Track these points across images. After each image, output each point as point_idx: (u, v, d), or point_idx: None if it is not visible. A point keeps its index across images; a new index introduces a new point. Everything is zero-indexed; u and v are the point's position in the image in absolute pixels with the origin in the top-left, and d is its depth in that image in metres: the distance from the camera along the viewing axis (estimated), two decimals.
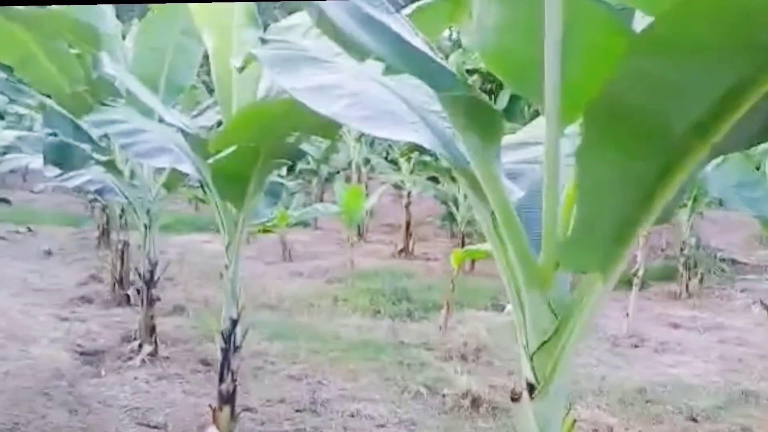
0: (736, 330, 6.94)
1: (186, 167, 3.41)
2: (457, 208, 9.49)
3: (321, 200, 13.64)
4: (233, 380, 3.36)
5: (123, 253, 6.56)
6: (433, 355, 5.76)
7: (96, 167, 4.88)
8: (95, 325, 5.84)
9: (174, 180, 4.90)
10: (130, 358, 4.99)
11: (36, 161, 5.47)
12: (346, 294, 7.82)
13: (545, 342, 1.34)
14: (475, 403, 4.54)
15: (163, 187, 4.94)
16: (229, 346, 3.34)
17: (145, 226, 4.96)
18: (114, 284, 6.66)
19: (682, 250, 8.37)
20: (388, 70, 1.29)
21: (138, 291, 6.57)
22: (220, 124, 3.84)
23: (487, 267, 9.91)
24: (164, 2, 4.81)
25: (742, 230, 10.65)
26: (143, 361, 4.94)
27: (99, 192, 4.96)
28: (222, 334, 3.36)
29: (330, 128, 2.71)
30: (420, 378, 5.02)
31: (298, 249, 10.99)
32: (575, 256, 1.28)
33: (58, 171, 4.83)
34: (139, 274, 5.12)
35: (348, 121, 1.50)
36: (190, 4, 3.35)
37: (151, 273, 5.01)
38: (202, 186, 3.53)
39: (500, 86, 11.31)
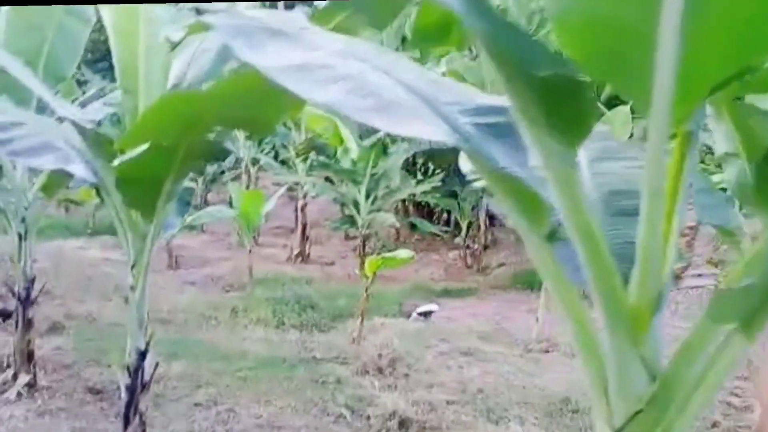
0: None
1: (77, 169, 2.85)
2: (358, 211, 9.16)
3: (205, 202, 12.91)
4: (142, 423, 2.84)
5: None
6: (348, 370, 5.39)
7: None
8: None
9: (54, 183, 4.23)
10: (3, 392, 4.26)
11: None
12: (245, 304, 7.29)
13: (638, 412, 1.02)
14: (404, 424, 4.22)
15: (41, 191, 4.24)
16: (136, 382, 2.81)
17: (19, 236, 4.24)
18: None
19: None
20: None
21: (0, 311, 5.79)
22: (119, 119, 3.27)
23: (389, 271, 9.69)
24: (163, 2, 4.23)
25: None
26: (19, 393, 4.22)
27: None
28: (127, 369, 2.82)
29: (264, 121, 2.28)
30: (340, 398, 4.64)
31: (184, 255, 10.26)
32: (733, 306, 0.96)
33: None
34: (12, 292, 4.38)
35: (351, 112, 1.12)
36: None
37: (28, 290, 4.30)
38: (98, 191, 2.96)
39: None
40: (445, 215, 12.01)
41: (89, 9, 4.23)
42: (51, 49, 4.07)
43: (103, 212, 11.65)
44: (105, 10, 2.71)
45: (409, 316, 7.18)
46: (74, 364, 4.95)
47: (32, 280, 4.34)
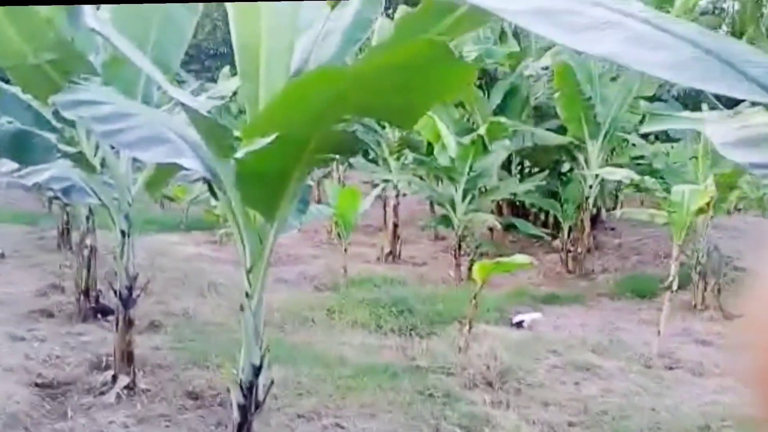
0: None
1: (190, 162, 2.59)
2: (454, 211, 8.74)
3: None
4: None
5: (90, 259, 5.64)
6: (455, 382, 5.01)
7: (61, 161, 4.00)
8: (58, 346, 4.92)
9: (159, 178, 4.05)
10: (103, 393, 4.11)
11: None
12: (340, 305, 7.01)
13: None
14: None
15: (145, 187, 4.06)
16: (250, 401, 2.52)
17: (123, 233, 4.08)
18: (79, 296, 5.73)
19: (698, 258, 7.78)
20: None
21: (99, 307, 5.71)
22: (227, 110, 2.97)
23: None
24: (166, 2, 4.04)
25: (748, 236, 10.16)
26: (119, 396, 4.06)
27: (65, 192, 4.05)
28: (240, 386, 2.53)
29: (412, 109, 1.94)
30: (452, 415, 4.27)
31: (276, 252, 10.14)
32: None
33: (15, 165, 3.95)
34: (114, 291, 4.23)
35: (642, 67, 0.76)
36: None
37: (130, 289, 4.14)
38: (211, 188, 2.70)
39: (493, 81, 10.67)
40: (542, 216, 11.42)
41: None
42: (158, 39, 3.88)
43: (196, 208, 11.76)
44: None
45: (517, 325, 6.72)
46: (173, 366, 4.78)
47: (134, 279, 4.17)
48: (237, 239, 2.53)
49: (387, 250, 10.28)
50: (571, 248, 9.64)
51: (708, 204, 5.83)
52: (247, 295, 2.54)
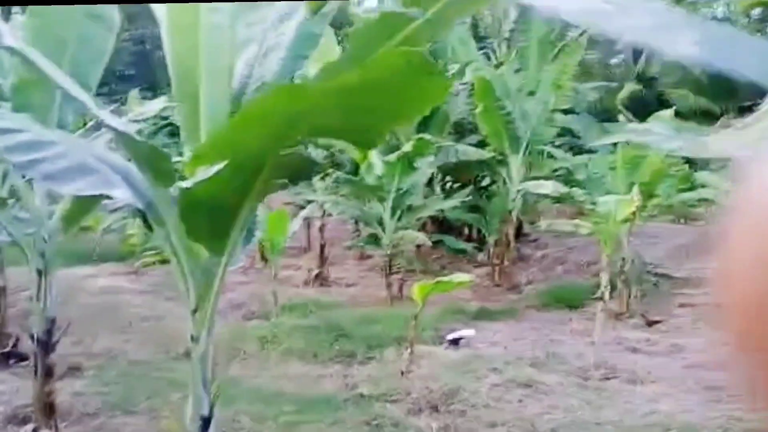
0: (695, 352, 6.54)
1: (123, 193, 2.34)
2: (383, 229, 8.64)
3: None
4: None
5: None
6: (401, 409, 4.86)
7: None
8: None
9: (78, 210, 3.71)
10: None
11: None
12: (272, 334, 6.74)
13: None
14: None
15: (63, 221, 3.71)
16: None
17: (39, 273, 3.71)
18: None
19: (622, 266, 7.98)
20: None
21: (9, 353, 5.23)
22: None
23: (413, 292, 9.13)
24: (165, 2, 3.77)
25: (664, 242, 10.56)
26: None
27: None
28: None
29: (373, 130, 1.80)
30: None
31: None
32: None
33: None
34: (31, 336, 3.84)
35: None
36: None
37: (49, 333, 3.77)
38: (145, 220, 2.45)
39: None
40: (466, 231, 11.50)
41: (114, 14, 3.75)
42: (73, 58, 3.57)
43: (110, 236, 11.14)
44: (161, 7, 2.21)
45: (453, 343, 6.64)
46: (98, 413, 4.41)
47: (53, 322, 3.80)
48: (178, 276, 2.30)
49: (315, 272, 10.06)
50: (497, 262, 9.72)
51: (634, 213, 5.96)
52: (192, 338, 2.31)
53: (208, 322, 2.27)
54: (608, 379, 5.86)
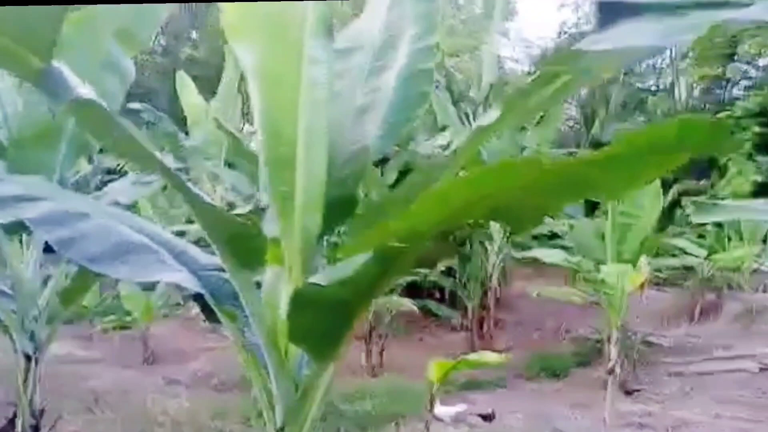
0: (704, 426, 6.31)
1: (183, 278, 1.92)
2: None
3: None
4: None
5: None
6: None
7: None
8: None
9: (81, 284, 3.19)
10: None
11: None
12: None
13: None
14: None
15: (60, 299, 3.18)
16: None
17: (28, 358, 3.15)
18: None
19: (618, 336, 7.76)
20: None
21: None
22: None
23: (395, 361, 8.68)
24: (173, 2, 3.32)
25: (635, 309, 10.45)
26: None
27: None
28: None
29: (545, 210, 1.47)
30: None
31: (157, 346, 9.02)
32: None
33: None
34: (13, 425, 3.24)
35: None
36: (223, 5, 1.91)
37: (36, 428, 3.18)
38: (204, 309, 2.01)
39: (386, 160, 10.45)
40: (437, 295, 11.17)
41: (129, 65, 3.33)
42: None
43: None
44: (243, 51, 1.83)
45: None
46: None
47: (41, 414, 3.23)
48: (258, 386, 1.85)
49: None
50: (475, 327, 9.40)
51: (642, 284, 5.76)
52: None
53: None
54: None
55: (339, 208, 1.88)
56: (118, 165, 8.42)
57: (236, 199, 9.07)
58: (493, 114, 1.40)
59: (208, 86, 11.50)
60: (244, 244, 1.74)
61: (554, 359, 8.59)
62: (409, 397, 6.70)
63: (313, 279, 1.52)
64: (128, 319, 8.68)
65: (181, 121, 10.25)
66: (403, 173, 10.11)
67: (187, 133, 9.88)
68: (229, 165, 9.70)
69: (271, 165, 1.84)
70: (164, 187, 5.53)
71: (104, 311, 9.12)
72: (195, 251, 2.13)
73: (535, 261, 9.15)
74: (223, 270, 1.97)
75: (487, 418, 5.92)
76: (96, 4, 3.04)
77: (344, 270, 1.41)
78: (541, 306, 10.91)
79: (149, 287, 10.00)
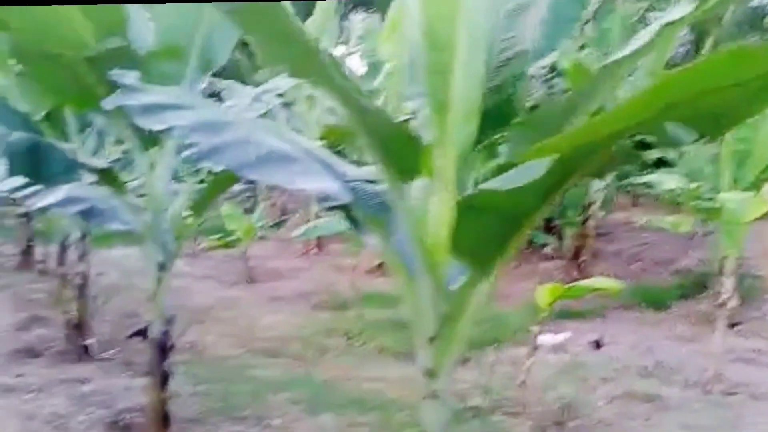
0: None
1: (333, 187, 1.89)
2: None
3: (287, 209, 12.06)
4: None
5: (82, 289, 4.78)
6: (524, 425, 4.41)
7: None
8: (63, 398, 4.06)
9: (206, 197, 3.26)
10: None
11: None
12: (357, 328, 6.32)
13: None
14: None
15: (191, 209, 3.28)
16: None
17: (160, 266, 3.29)
18: (70, 331, 4.86)
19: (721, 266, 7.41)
20: None
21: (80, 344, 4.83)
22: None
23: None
24: (165, 2, 3.36)
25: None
26: None
27: (86, 215, 3.22)
28: None
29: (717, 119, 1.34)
30: None
31: (256, 266, 9.32)
32: None
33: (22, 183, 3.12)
34: (140, 333, 3.42)
35: None
36: None
37: (166, 334, 3.35)
38: (352, 220, 1.99)
39: None
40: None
41: None
42: (204, 40, 3.14)
43: None
44: None
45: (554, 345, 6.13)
46: (201, 419, 4.00)
47: (170, 322, 3.38)
48: (408, 298, 1.84)
49: (377, 261, 9.60)
50: (565, 255, 9.25)
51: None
52: (430, 374, 1.85)
53: (450, 354, 1.81)
54: (730, 394, 5.37)
55: (496, 117, 1.79)
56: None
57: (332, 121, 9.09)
58: (685, 7, 1.26)
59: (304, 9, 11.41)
60: (402, 149, 1.69)
61: (655, 290, 8.35)
62: (502, 322, 6.70)
63: (484, 185, 1.46)
64: (231, 238, 8.99)
65: None
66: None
67: None
68: None
69: (430, 72, 1.76)
70: None
71: (208, 231, 9.50)
72: (338, 161, 2.11)
73: (629, 192, 8.76)
74: (370, 181, 1.93)
75: (597, 344, 5.85)
76: (98, 4, 2.97)
77: (520, 176, 1.33)
78: (640, 237, 10.57)
79: (250, 210, 10.34)
